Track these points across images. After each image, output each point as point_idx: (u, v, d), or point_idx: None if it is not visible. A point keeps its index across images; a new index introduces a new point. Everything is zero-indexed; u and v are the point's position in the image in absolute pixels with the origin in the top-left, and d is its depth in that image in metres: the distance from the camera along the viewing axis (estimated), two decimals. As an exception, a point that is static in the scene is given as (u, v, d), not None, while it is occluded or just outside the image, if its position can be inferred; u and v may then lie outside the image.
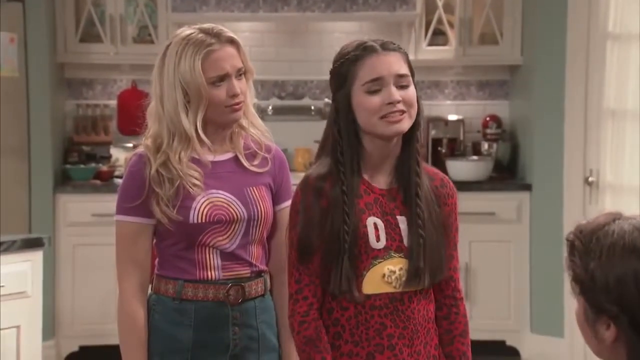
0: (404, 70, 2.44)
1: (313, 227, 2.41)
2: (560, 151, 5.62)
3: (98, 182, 5.91)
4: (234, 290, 2.61)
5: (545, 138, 5.75)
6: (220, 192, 2.61)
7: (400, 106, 2.40)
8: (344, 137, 2.44)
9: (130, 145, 5.92)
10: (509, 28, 6.06)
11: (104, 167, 6.02)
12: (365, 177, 2.47)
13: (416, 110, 2.45)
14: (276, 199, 2.71)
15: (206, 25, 2.62)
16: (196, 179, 2.58)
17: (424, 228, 2.44)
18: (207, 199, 2.59)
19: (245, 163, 2.66)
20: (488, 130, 6.26)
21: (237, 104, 2.60)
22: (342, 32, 6.20)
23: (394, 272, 2.43)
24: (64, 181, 5.91)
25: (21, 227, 5.52)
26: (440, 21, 6.06)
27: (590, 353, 1.89)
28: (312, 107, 6.26)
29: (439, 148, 6.18)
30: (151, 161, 2.58)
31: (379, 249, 2.43)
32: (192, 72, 2.55)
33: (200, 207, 2.58)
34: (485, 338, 5.59)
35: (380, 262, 2.43)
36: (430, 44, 6.08)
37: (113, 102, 6.24)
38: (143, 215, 2.59)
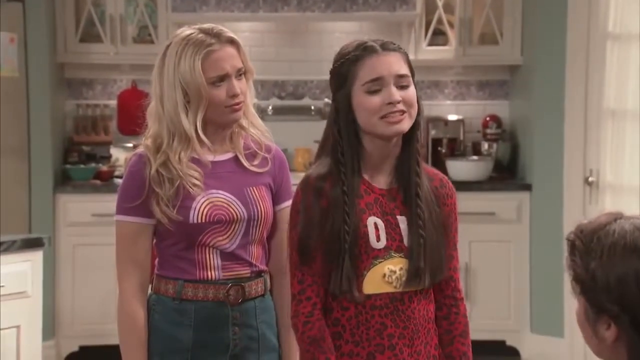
0: (404, 70, 2.44)
1: (313, 227, 2.41)
2: (560, 151, 5.62)
3: (98, 182, 5.91)
4: (234, 290, 2.61)
5: (545, 138, 5.75)
6: (220, 192, 2.61)
7: (401, 106, 2.41)
8: (344, 137, 2.44)
9: (130, 145, 5.92)
10: (509, 28, 6.06)
11: (104, 167, 6.02)
12: (366, 177, 2.47)
13: (416, 110, 2.45)
14: (276, 199, 2.71)
15: (206, 26, 2.62)
16: (196, 179, 2.58)
17: (424, 228, 2.44)
18: (207, 199, 2.59)
19: (245, 163, 2.66)
20: (488, 130, 6.26)
21: (237, 104, 2.60)
22: (342, 32, 6.20)
23: (395, 272, 2.43)
24: (64, 181, 5.91)
25: (21, 227, 5.52)
26: (440, 21, 6.06)
27: (591, 353, 1.89)
28: (312, 107, 6.26)
29: (439, 148, 6.18)
30: (151, 161, 2.58)
31: (380, 249, 2.43)
32: (192, 72, 2.55)
33: (200, 207, 2.58)
34: (485, 338, 5.59)
35: (381, 262, 2.43)
36: (430, 44, 6.08)
37: (113, 102, 6.25)
38: (143, 215, 2.59)
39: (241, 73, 2.62)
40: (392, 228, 2.45)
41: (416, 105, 2.44)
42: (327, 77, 2.51)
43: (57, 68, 6.03)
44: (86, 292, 5.70)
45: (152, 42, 5.99)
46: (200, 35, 2.58)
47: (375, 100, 2.41)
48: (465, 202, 5.36)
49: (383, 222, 2.44)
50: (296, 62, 6.33)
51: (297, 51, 6.33)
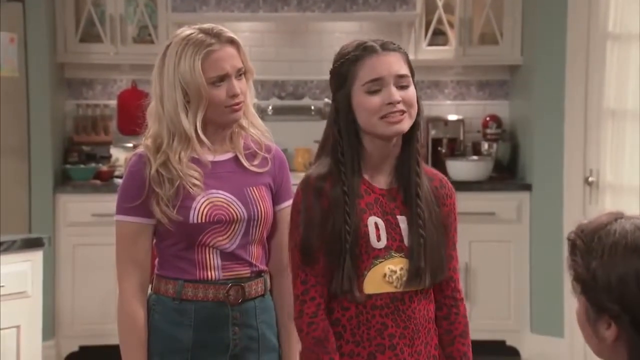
0: (404, 70, 2.44)
1: (315, 228, 2.41)
2: (560, 151, 5.62)
3: (98, 182, 5.91)
4: (234, 290, 2.61)
5: (545, 138, 5.75)
6: (220, 192, 2.61)
7: (400, 106, 2.41)
8: (344, 137, 2.44)
9: (130, 145, 5.92)
10: (509, 28, 6.06)
11: (104, 167, 6.02)
12: (366, 177, 2.47)
13: (416, 110, 2.45)
14: (276, 199, 2.70)
15: (206, 26, 2.62)
16: (196, 179, 2.58)
17: (424, 228, 2.44)
18: (207, 199, 2.59)
19: (245, 163, 2.66)
20: (488, 130, 6.26)
21: (237, 104, 2.60)
22: (342, 32, 6.21)
23: (395, 271, 2.43)
24: (64, 181, 5.91)
25: (21, 227, 5.51)
26: (440, 21, 6.06)
27: (591, 353, 1.89)
28: (312, 107, 6.26)
29: (439, 148, 6.18)
30: (151, 161, 2.58)
31: (380, 249, 2.43)
32: (192, 72, 2.55)
33: (200, 207, 2.58)
34: (485, 338, 5.59)
35: (381, 261, 2.43)
36: (430, 44, 6.08)
37: (113, 102, 6.25)
38: (143, 215, 2.59)
39: (241, 73, 2.62)
40: (392, 228, 2.45)
41: (416, 105, 2.44)
42: (327, 77, 2.51)
43: (57, 68, 6.03)
44: (86, 292, 5.70)
45: (152, 42, 5.99)
46: (200, 35, 2.58)
47: (375, 100, 2.41)
48: (465, 202, 5.37)
49: (383, 222, 2.44)
50: (296, 62, 6.33)
51: (297, 51, 6.33)
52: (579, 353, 5.41)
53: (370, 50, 2.42)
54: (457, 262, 2.57)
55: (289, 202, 2.60)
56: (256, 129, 2.70)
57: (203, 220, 2.57)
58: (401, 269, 2.44)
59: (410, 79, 2.45)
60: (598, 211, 4.91)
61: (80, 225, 5.71)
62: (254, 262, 2.64)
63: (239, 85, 2.59)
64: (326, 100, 6.12)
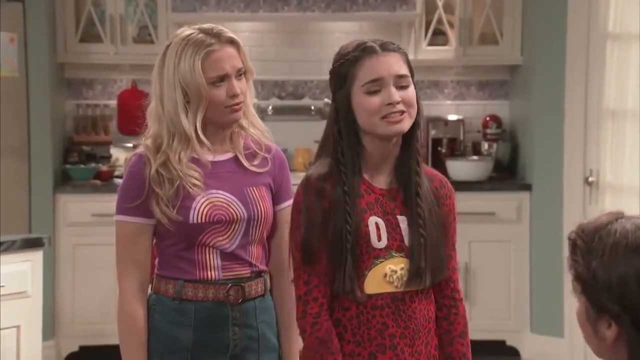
0: (404, 70, 2.44)
1: (315, 228, 2.41)
2: (560, 151, 5.62)
3: (98, 182, 5.91)
4: (233, 290, 2.61)
5: (545, 138, 5.75)
6: (220, 192, 2.61)
7: (400, 107, 2.41)
8: (344, 137, 2.44)
9: (130, 145, 5.92)
10: (509, 28, 6.06)
11: (104, 167, 6.02)
12: (366, 177, 2.47)
13: (416, 110, 2.45)
14: (276, 199, 2.70)
15: (206, 26, 2.62)
16: (196, 179, 2.58)
17: (424, 227, 2.44)
18: (207, 199, 2.59)
19: (245, 163, 2.66)
20: (488, 130, 6.26)
21: (237, 104, 2.60)
22: (342, 32, 6.20)
23: (396, 271, 2.43)
24: (64, 181, 5.91)
25: (21, 227, 5.51)
26: (440, 21, 6.06)
27: (591, 353, 1.89)
28: (312, 107, 6.26)
29: (439, 148, 6.18)
30: (151, 161, 2.58)
31: (381, 249, 2.43)
32: (192, 73, 2.55)
33: (200, 207, 2.57)
34: (485, 338, 5.59)
35: (382, 261, 2.43)
36: (430, 44, 6.08)
37: (113, 102, 6.25)
38: (143, 216, 2.59)
39: (241, 73, 2.61)
40: (392, 228, 2.45)
41: (416, 105, 2.44)
42: (327, 77, 2.51)
43: (57, 68, 6.03)
44: (86, 292, 5.70)
45: (152, 42, 5.99)
46: (200, 35, 2.58)
47: (375, 100, 2.41)
48: (465, 202, 5.37)
49: (384, 221, 2.44)
50: (296, 62, 6.33)
51: (297, 51, 6.33)
52: (579, 353, 5.41)
53: (369, 51, 2.42)
54: (456, 263, 2.57)
55: (289, 202, 2.61)
56: (256, 129, 2.70)
57: (203, 220, 2.57)
58: (402, 268, 2.44)
59: (410, 79, 2.45)
60: (598, 211, 4.91)
61: (80, 225, 5.71)
62: (254, 262, 2.64)
63: (239, 85, 2.59)
64: (326, 100, 6.12)
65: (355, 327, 2.44)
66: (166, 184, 2.56)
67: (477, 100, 6.40)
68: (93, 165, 6.04)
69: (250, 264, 2.64)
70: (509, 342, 5.86)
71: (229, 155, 2.67)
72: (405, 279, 2.43)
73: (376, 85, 2.41)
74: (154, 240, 2.64)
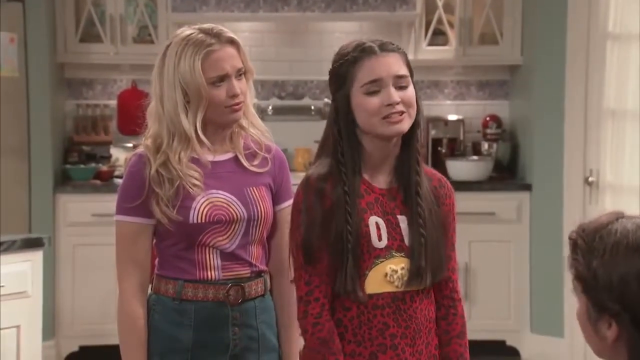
0: (403, 71, 2.44)
1: (316, 228, 2.41)
2: (560, 151, 5.62)
3: (98, 182, 5.91)
4: (233, 290, 2.61)
5: (545, 138, 5.75)
6: (220, 192, 2.61)
7: (400, 107, 2.41)
8: (344, 137, 2.44)
9: (130, 145, 5.92)
10: (509, 28, 6.06)
11: (104, 167, 6.02)
12: (366, 176, 2.47)
13: (415, 110, 2.45)
14: (276, 199, 2.70)
15: (206, 26, 2.62)
16: (196, 179, 2.58)
17: (424, 227, 2.44)
18: (207, 199, 2.59)
19: (245, 163, 2.66)
20: (488, 130, 6.26)
21: (237, 104, 2.60)
22: (342, 32, 6.20)
23: (396, 271, 2.43)
24: (64, 181, 5.91)
25: (21, 227, 5.51)
26: (440, 21, 6.06)
27: (591, 353, 1.89)
28: (312, 107, 6.26)
29: (439, 148, 6.18)
30: (151, 161, 2.58)
31: (381, 248, 2.43)
32: (192, 73, 2.55)
33: (200, 207, 2.57)
34: (485, 338, 5.59)
35: (382, 261, 2.43)
36: (430, 44, 6.08)
37: (113, 102, 6.25)
38: (143, 216, 2.59)
39: (241, 73, 2.61)
40: (392, 227, 2.45)
41: (415, 105, 2.44)
42: (327, 77, 2.51)
43: (57, 68, 6.03)
44: (86, 292, 5.70)
45: (152, 42, 5.99)
46: (200, 35, 2.58)
47: (375, 101, 2.41)
48: (465, 202, 5.37)
49: (384, 221, 2.45)
50: (296, 62, 6.33)
51: (297, 51, 6.33)
52: (579, 353, 5.41)
53: (368, 52, 2.42)
54: (455, 263, 2.57)
55: (289, 202, 2.61)
56: (256, 129, 2.70)
57: (203, 221, 2.57)
58: (402, 268, 2.44)
59: (409, 79, 2.45)
60: (598, 211, 4.91)
61: (80, 225, 5.71)
62: (254, 262, 2.64)
63: (239, 85, 2.59)
64: (326, 100, 6.12)
65: (356, 327, 2.44)
66: (166, 184, 2.56)
67: (477, 100, 6.40)
68: (93, 165, 6.04)
69: (250, 264, 2.64)
70: (509, 342, 5.86)
71: (229, 155, 2.67)
72: (405, 278, 2.44)
73: (375, 86, 2.41)
74: (154, 240, 2.64)
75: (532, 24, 5.89)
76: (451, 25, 6.08)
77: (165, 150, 2.58)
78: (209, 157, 2.63)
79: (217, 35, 2.58)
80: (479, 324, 5.54)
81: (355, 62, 2.42)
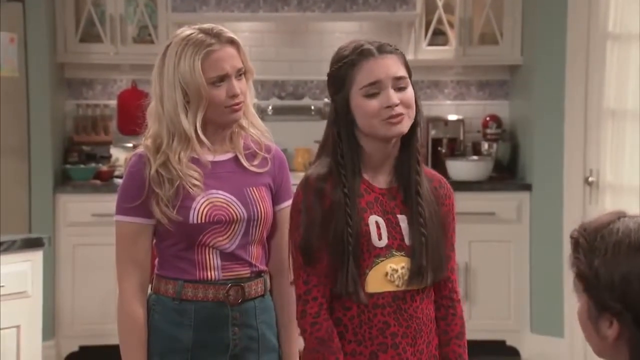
0: (402, 72, 2.44)
1: (315, 228, 2.41)
2: (560, 151, 5.62)
3: (98, 182, 5.91)
4: (233, 290, 2.61)
5: (545, 138, 5.75)
6: (220, 192, 2.61)
7: (399, 109, 2.41)
8: (343, 138, 2.44)
9: (130, 145, 5.92)
10: (509, 28, 6.06)
11: (104, 167, 6.02)
12: (365, 177, 2.48)
13: (414, 111, 2.45)
14: (276, 199, 2.70)
15: (206, 26, 2.62)
16: (196, 179, 2.58)
17: (425, 226, 2.44)
18: (207, 199, 2.59)
19: (245, 163, 2.66)
20: (488, 130, 6.26)
21: (237, 104, 2.60)
22: (342, 32, 6.20)
23: (397, 270, 2.44)
24: (64, 181, 5.91)
25: (21, 227, 5.51)
26: (440, 21, 6.06)
27: (591, 353, 1.89)
28: (312, 107, 6.26)
29: (439, 148, 6.18)
30: (151, 161, 2.58)
31: (381, 248, 2.43)
32: (192, 73, 2.55)
33: (200, 207, 2.57)
34: (485, 338, 5.59)
35: (383, 260, 2.43)
36: (430, 44, 6.07)
37: (113, 102, 6.25)
38: (143, 216, 2.59)
39: (241, 73, 2.61)
40: (392, 227, 2.45)
41: (414, 106, 2.45)
42: (326, 77, 2.51)
43: (57, 68, 6.03)
44: (86, 292, 5.70)
45: (152, 42, 5.99)
46: (200, 35, 2.58)
47: (374, 104, 2.41)
48: (465, 202, 5.37)
49: (384, 220, 2.45)
50: (296, 62, 6.33)
51: (297, 51, 6.33)
52: (579, 353, 5.41)
53: (367, 54, 2.42)
54: (454, 263, 2.57)
55: (289, 202, 2.60)
56: (256, 129, 2.70)
57: (203, 221, 2.57)
58: (402, 267, 2.44)
59: (408, 80, 2.45)
60: (598, 211, 4.91)
61: (80, 225, 5.71)
62: (253, 262, 2.64)
63: (239, 85, 2.59)
64: (326, 100, 6.11)
65: (357, 327, 2.44)
66: (166, 184, 2.56)
67: (477, 100, 6.40)
68: (93, 165, 6.04)
69: (250, 264, 2.64)
70: (509, 342, 5.86)
71: (229, 155, 2.67)
72: (406, 277, 2.44)
73: (374, 88, 2.41)
74: (154, 241, 2.64)
75: (532, 24, 5.89)
76: (451, 25, 6.07)
77: (165, 150, 2.58)
78: (209, 157, 2.63)
79: (217, 35, 2.58)
80: (479, 324, 5.54)
81: (353, 64, 2.42)
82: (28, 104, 5.71)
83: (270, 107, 6.23)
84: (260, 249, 2.67)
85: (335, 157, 2.45)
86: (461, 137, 6.26)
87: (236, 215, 2.60)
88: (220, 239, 2.59)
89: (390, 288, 2.44)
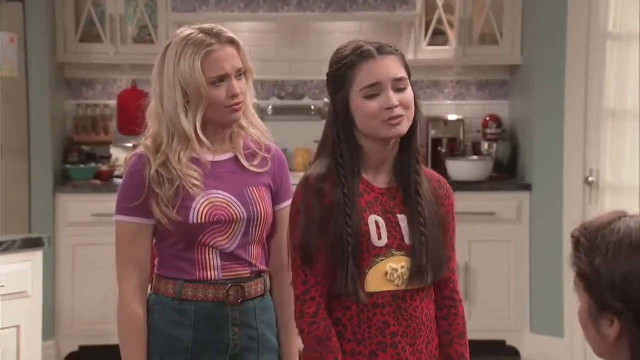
0: (402, 73, 2.44)
1: (314, 228, 2.41)
2: (560, 151, 5.62)
3: (98, 182, 5.91)
4: (233, 290, 2.61)
5: (545, 138, 5.75)
6: (220, 192, 2.61)
7: (399, 111, 2.41)
8: (343, 139, 2.45)
9: (130, 145, 5.92)
10: (509, 28, 6.06)
11: (104, 167, 6.02)
12: (365, 176, 2.48)
13: (414, 112, 2.45)
14: (276, 199, 2.70)
15: (206, 26, 2.62)
16: (196, 179, 2.58)
17: (425, 226, 2.44)
18: (207, 199, 2.59)
19: (245, 163, 2.66)
20: (488, 130, 6.26)
21: (237, 104, 2.60)
22: (342, 32, 6.20)
23: (396, 270, 2.44)
24: (64, 181, 5.91)
25: (21, 227, 5.51)
26: (440, 21, 6.06)
27: (591, 353, 1.89)
28: (312, 107, 6.26)
29: (439, 148, 6.18)
30: (151, 161, 2.58)
31: (381, 247, 2.43)
32: (192, 73, 2.55)
33: (200, 207, 2.57)
34: (485, 338, 5.59)
35: (383, 260, 2.43)
36: (430, 44, 6.07)
37: (113, 102, 6.25)
38: (143, 216, 2.59)
39: (241, 73, 2.61)
40: (392, 226, 2.45)
41: (414, 107, 2.45)
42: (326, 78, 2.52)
43: (57, 68, 6.03)
44: (86, 292, 5.70)
45: (152, 42, 5.99)
46: (200, 35, 2.58)
47: (373, 105, 2.41)
48: (465, 202, 5.37)
49: (384, 220, 2.45)
50: (296, 62, 6.33)
51: (297, 51, 6.33)
52: (579, 353, 5.41)
53: (367, 55, 2.42)
54: (455, 263, 2.57)
55: (289, 202, 2.60)
56: (256, 129, 2.70)
57: (203, 221, 2.57)
58: (402, 267, 2.44)
59: (408, 81, 2.45)
60: (598, 211, 4.91)
61: (80, 225, 5.71)
62: (253, 262, 2.64)
63: (238, 85, 2.59)
64: (326, 100, 6.11)
65: (356, 326, 2.44)
66: (166, 184, 2.56)
67: (477, 100, 6.40)
68: (93, 165, 6.04)
69: (250, 264, 2.64)
70: (509, 342, 5.86)
71: (228, 155, 2.67)
72: (406, 277, 2.44)
73: (374, 90, 2.41)
74: (154, 241, 2.64)
75: (532, 24, 5.89)
76: (451, 25, 6.07)
77: (165, 150, 2.58)
78: (209, 157, 2.63)
79: (217, 35, 2.58)
80: (479, 324, 5.54)
81: (353, 65, 2.42)
82: (28, 104, 5.71)
83: (270, 107, 6.23)
84: (260, 249, 2.67)
85: (335, 157, 2.45)
86: (461, 137, 6.26)
87: (236, 215, 2.60)
88: (220, 239, 2.59)
89: (390, 287, 2.44)
